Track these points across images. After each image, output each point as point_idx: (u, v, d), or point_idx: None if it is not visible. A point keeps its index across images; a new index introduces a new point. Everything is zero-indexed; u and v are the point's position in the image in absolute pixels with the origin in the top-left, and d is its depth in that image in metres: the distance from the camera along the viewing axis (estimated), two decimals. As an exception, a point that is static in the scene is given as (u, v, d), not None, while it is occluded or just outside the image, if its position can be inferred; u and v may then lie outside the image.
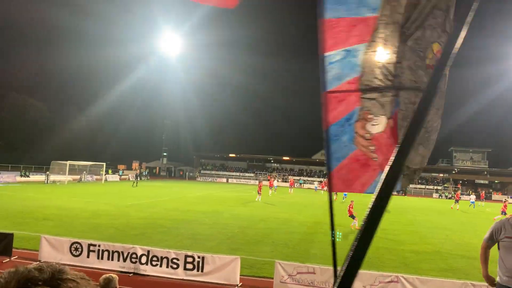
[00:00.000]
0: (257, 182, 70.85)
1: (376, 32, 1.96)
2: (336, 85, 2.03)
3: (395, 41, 1.94)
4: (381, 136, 2.02)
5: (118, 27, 68.64)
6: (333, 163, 2.19)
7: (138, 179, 49.32)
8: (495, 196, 64.25)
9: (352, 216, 19.99)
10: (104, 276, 4.94)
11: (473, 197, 40.72)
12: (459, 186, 68.93)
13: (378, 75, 1.99)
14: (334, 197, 32.14)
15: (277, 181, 50.38)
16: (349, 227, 19.78)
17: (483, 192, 53.61)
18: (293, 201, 35.24)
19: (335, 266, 2.24)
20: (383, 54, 1.96)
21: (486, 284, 5.09)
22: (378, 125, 2.01)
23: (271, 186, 43.80)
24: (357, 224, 19.75)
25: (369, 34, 1.97)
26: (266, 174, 75.65)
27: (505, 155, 73.15)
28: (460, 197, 40.80)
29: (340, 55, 2.01)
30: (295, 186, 51.85)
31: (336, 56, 2.01)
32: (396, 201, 43.44)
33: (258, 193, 34.47)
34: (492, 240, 4.88)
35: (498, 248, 4.81)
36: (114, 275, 5.08)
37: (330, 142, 2.12)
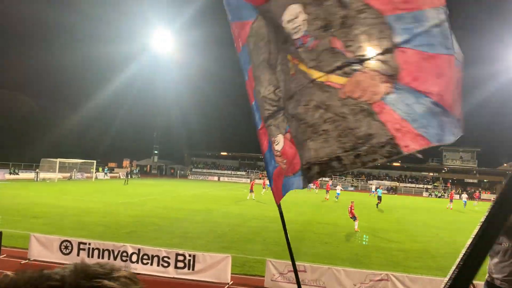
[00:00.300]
0: (248, 180, 71.03)
1: (254, 76, 2.72)
2: (259, 124, 2.82)
3: (268, 74, 2.57)
4: (284, 149, 2.60)
5: (109, 24, 68.03)
6: (271, 181, 2.91)
7: (129, 177, 49.07)
8: (484, 195, 65.06)
9: (354, 218, 19.44)
10: None
11: (464, 196, 41.03)
12: (448, 185, 69.62)
13: (267, 107, 2.65)
14: (326, 196, 32.28)
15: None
16: (347, 227, 19.79)
17: (477, 192, 54.04)
18: (284, 199, 35.21)
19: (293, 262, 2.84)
20: (264, 91, 2.62)
21: (475, 283, 5.14)
22: (279, 143, 2.63)
23: (264, 185, 44.01)
24: (356, 226, 19.26)
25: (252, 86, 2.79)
26: (257, 172, 75.73)
27: (494, 155, 74.07)
28: (454, 196, 41.08)
29: (255, 104, 2.83)
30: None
31: (254, 105, 2.84)
32: (385, 200, 43.67)
33: (251, 192, 34.56)
34: None
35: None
36: None
37: (267, 166, 2.89)
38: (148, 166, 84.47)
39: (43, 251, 10.74)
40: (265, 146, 2.85)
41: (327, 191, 39.96)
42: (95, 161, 52.98)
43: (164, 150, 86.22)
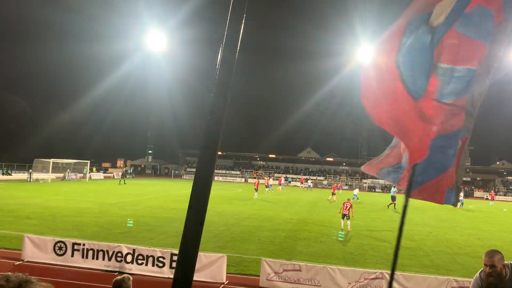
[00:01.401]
0: (243, 179, 71.11)
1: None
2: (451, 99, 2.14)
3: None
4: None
5: (102, 23, 67.54)
6: (437, 174, 2.27)
7: (125, 177, 48.77)
8: (477, 193, 65.62)
9: (347, 216, 18.76)
10: (115, 278, 4.76)
11: (461, 194, 41.11)
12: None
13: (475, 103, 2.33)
14: (330, 197, 31.80)
15: (272, 179, 51.29)
16: (342, 228, 19.70)
17: (492, 192, 53.46)
18: (282, 198, 35.35)
19: None
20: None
21: (468, 280, 5.04)
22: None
23: (267, 185, 44.57)
24: (349, 225, 18.86)
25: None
26: (252, 171, 75.78)
27: (487, 153, 74.69)
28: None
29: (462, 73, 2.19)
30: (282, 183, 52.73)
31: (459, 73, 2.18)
32: (378, 198, 43.89)
33: (255, 190, 35.02)
34: None
35: None
36: (127, 275, 4.87)
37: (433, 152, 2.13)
38: (142, 166, 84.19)
39: (37, 252, 10.67)
40: (445, 128, 2.20)
41: (333, 193, 38.79)
42: (88, 161, 52.67)
43: (158, 150, 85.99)
